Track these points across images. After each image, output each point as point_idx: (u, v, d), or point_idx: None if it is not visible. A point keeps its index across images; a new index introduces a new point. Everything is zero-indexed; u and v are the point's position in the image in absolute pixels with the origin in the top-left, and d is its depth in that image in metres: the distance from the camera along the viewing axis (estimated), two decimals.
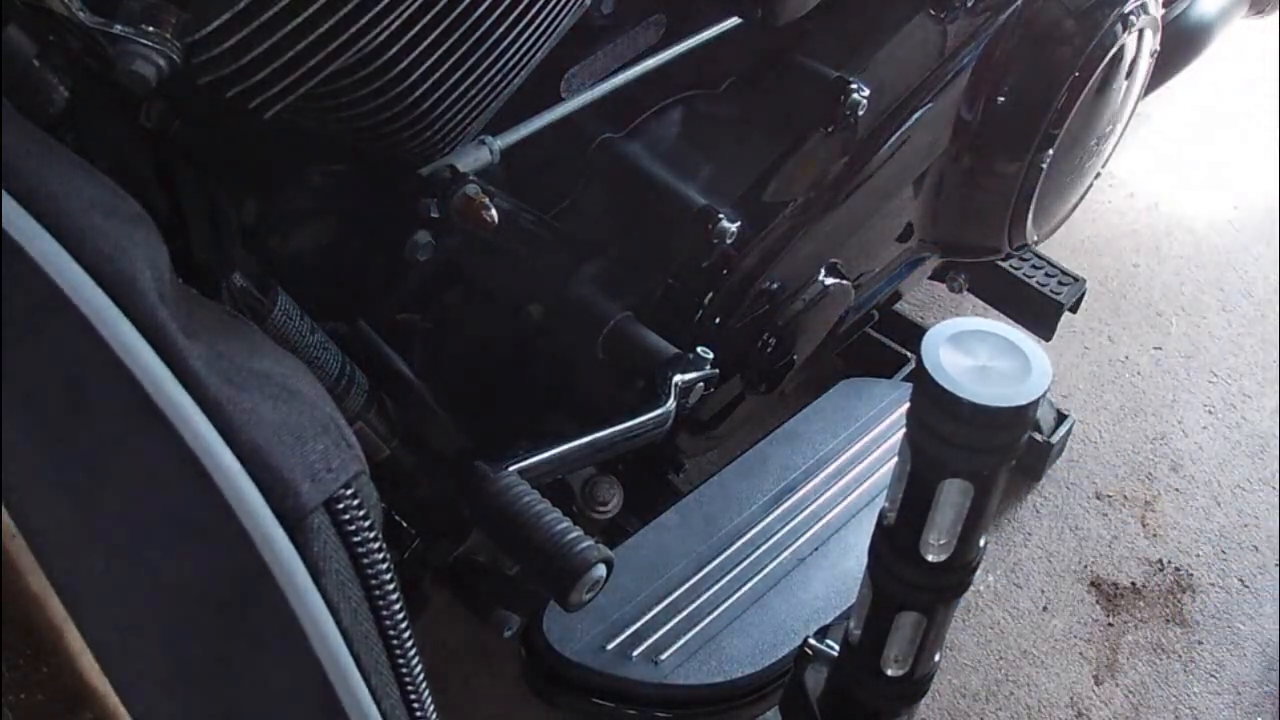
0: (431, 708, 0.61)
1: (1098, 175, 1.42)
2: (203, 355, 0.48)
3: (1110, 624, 1.43)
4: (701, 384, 0.94)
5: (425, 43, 0.70)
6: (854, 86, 1.04)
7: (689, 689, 0.97)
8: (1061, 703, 1.36)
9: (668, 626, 0.99)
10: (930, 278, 1.46)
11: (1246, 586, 1.48)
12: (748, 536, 1.07)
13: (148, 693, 0.56)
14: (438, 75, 0.73)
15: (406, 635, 0.57)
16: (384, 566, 0.53)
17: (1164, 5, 1.39)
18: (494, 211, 0.86)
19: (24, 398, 0.48)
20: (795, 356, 1.11)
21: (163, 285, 0.49)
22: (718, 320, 1.02)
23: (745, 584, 1.04)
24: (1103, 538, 1.52)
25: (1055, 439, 1.52)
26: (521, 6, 0.75)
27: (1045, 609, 1.45)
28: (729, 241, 0.98)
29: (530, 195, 0.96)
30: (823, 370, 1.31)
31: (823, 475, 1.14)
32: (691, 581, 1.03)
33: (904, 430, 0.68)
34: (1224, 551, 1.52)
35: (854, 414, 1.21)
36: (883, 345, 1.47)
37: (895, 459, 0.70)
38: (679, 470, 1.21)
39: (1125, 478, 1.59)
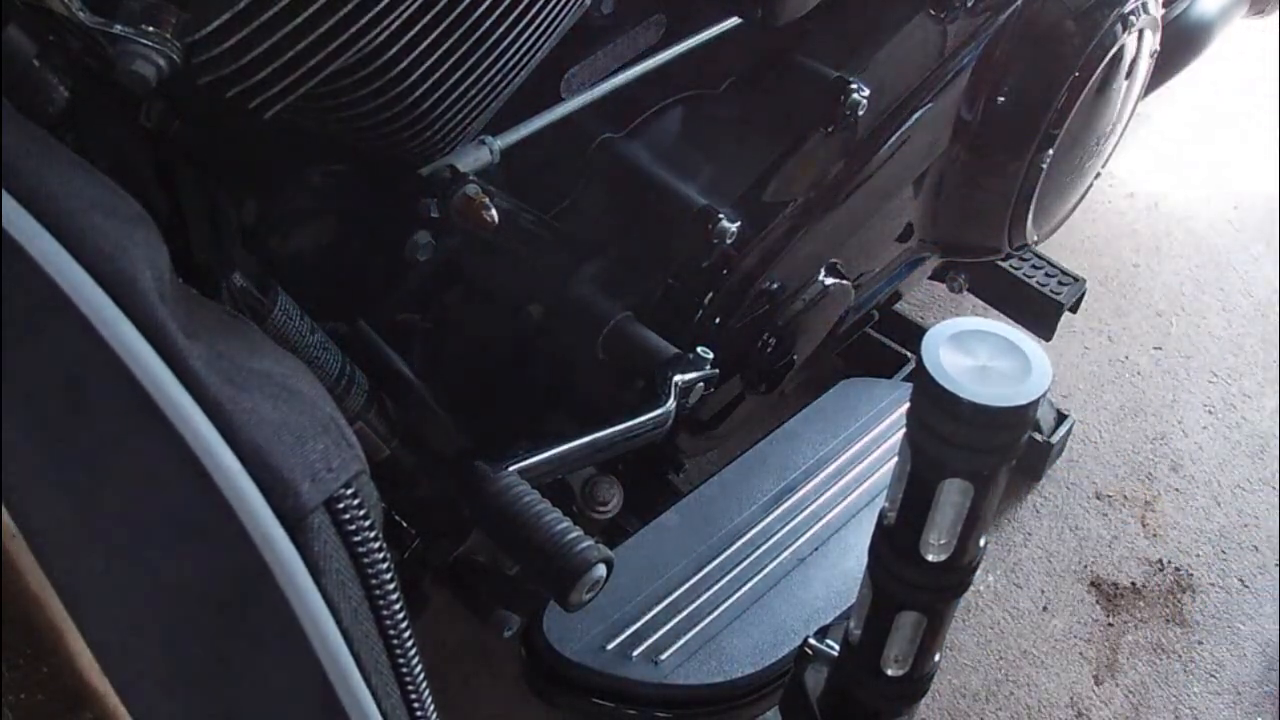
0: (432, 707, 0.61)
1: (1098, 175, 1.42)
2: (203, 355, 0.48)
3: (1110, 624, 1.43)
4: (701, 384, 0.94)
5: (425, 43, 0.70)
6: (854, 86, 1.04)
7: (689, 689, 0.97)
8: (1061, 703, 1.36)
9: (668, 626, 0.99)
10: (930, 278, 1.46)
11: (1246, 586, 1.48)
12: (748, 536, 1.07)
13: (148, 693, 0.56)
14: (438, 75, 0.73)
15: (407, 635, 0.57)
16: (384, 566, 0.53)
17: (1164, 5, 1.40)
18: (494, 211, 0.86)
19: (24, 398, 0.48)
20: (795, 356, 1.11)
21: (163, 285, 0.49)
22: (718, 320, 1.02)
23: (745, 584, 1.04)
24: (1103, 538, 1.52)
25: (1055, 439, 1.52)
26: (521, 6, 0.75)
27: (1045, 609, 1.45)
28: (729, 241, 0.98)
29: (530, 195, 0.96)
30: (823, 370, 1.31)
31: (823, 475, 1.14)
32: (691, 581, 1.03)
33: (904, 430, 0.68)
34: (1224, 551, 1.52)
35: (854, 414, 1.21)
36: (883, 345, 1.47)
37: (895, 459, 0.70)
38: (679, 470, 1.21)
39: (1125, 478, 1.60)
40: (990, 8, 1.18)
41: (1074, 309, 1.53)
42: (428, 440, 0.93)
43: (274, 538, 0.47)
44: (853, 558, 1.07)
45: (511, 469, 0.78)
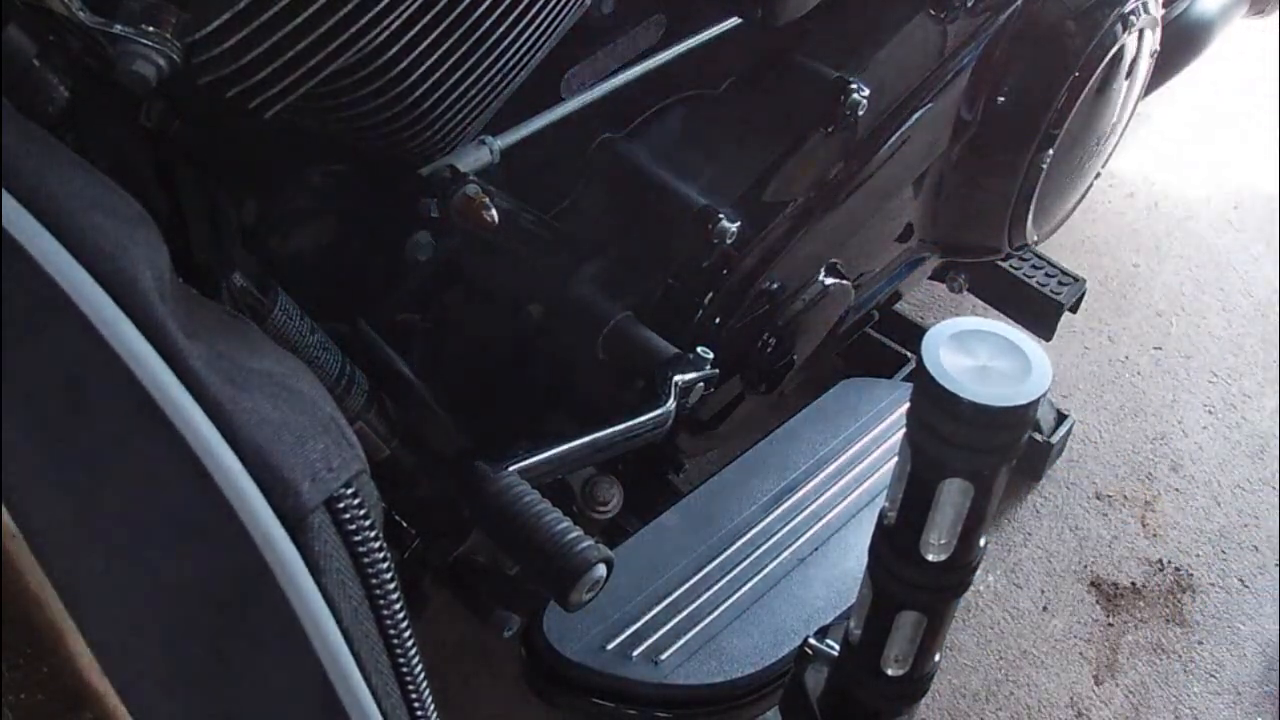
0: (432, 707, 0.61)
1: (1098, 175, 1.42)
2: (203, 355, 0.48)
3: (1110, 624, 1.43)
4: (701, 384, 0.94)
5: (425, 43, 0.70)
6: (854, 86, 1.04)
7: (689, 689, 0.97)
8: (1061, 703, 1.36)
9: (668, 626, 0.99)
10: (930, 278, 1.46)
11: (1246, 586, 1.48)
12: (748, 536, 1.07)
13: (148, 693, 0.56)
14: (438, 75, 0.73)
15: (407, 635, 0.57)
16: (384, 566, 0.53)
17: (1164, 5, 1.40)
18: (494, 211, 0.86)
19: (24, 398, 0.48)
20: (795, 356, 1.11)
21: (163, 285, 0.49)
22: (718, 320, 1.02)
23: (745, 584, 1.03)
24: (1103, 538, 1.52)
25: (1055, 439, 1.52)
26: (521, 6, 0.75)
27: (1045, 609, 1.45)
28: (729, 241, 0.98)
29: (530, 195, 0.96)
30: (823, 370, 1.31)
31: (823, 475, 1.14)
32: (691, 581, 1.03)
33: (904, 430, 0.68)
34: (1224, 551, 1.52)
35: (854, 414, 1.21)
36: (883, 345, 1.47)
37: (895, 459, 0.70)
38: (679, 470, 1.21)
39: (1125, 478, 1.59)
40: (990, 8, 1.18)
41: (1074, 309, 1.53)
42: (428, 440, 0.93)
43: (274, 537, 0.47)
44: (853, 558, 1.07)
45: (511, 469, 0.78)
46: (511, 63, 0.79)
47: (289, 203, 0.88)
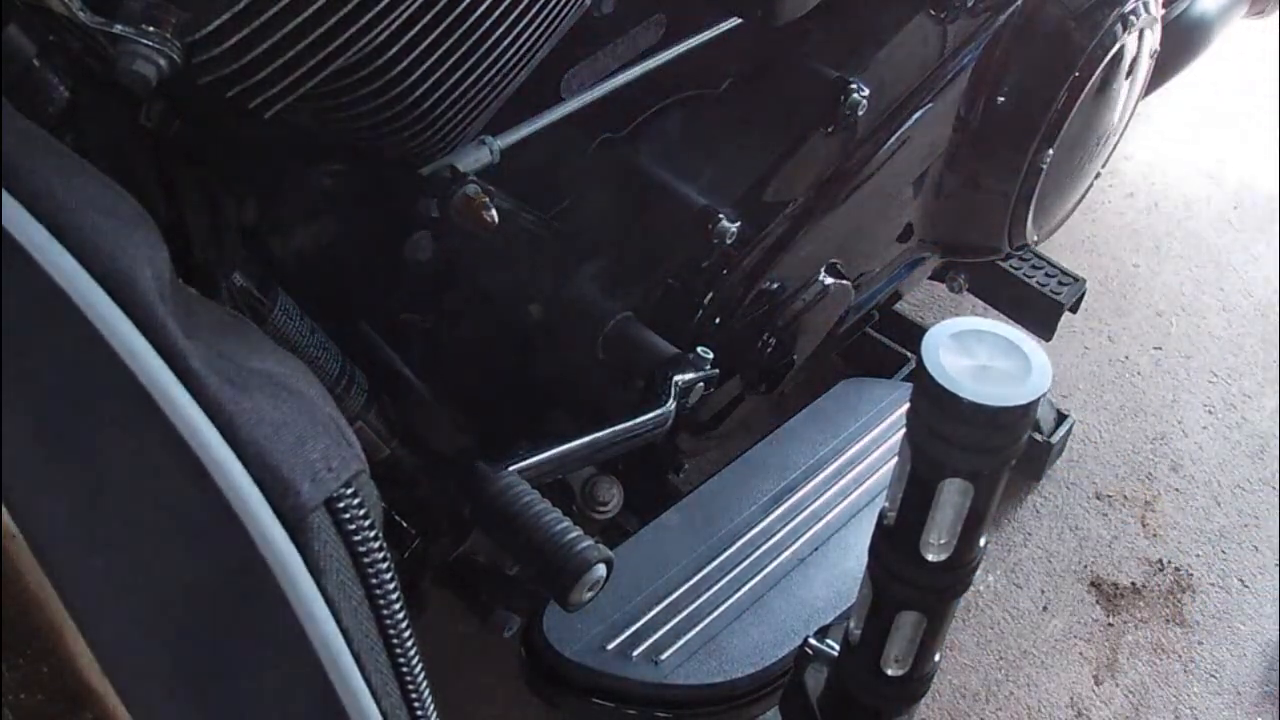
0: (431, 707, 0.61)
1: (1098, 175, 1.42)
2: (203, 355, 0.48)
3: (1110, 624, 1.43)
4: (701, 384, 0.94)
5: (425, 43, 0.70)
6: (854, 86, 1.04)
7: (689, 689, 0.97)
8: (1061, 703, 1.36)
9: (668, 626, 0.99)
10: (930, 278, 1.46)
11: (1246, 586, 1.48)
12: (748, 536, 1.07)
13: (148, 693, 0.56)
14: (438, 75, 0.73)
15: (407, 635, 0.56)
16: (384, 566, 0.53)
17: (1164, 5, 1.40)
18: (494, 211, 0.86)
19: (24, 398, 0.48)
20: (795, 356, 1.11)
21: (163, 285, 0.49)
22: (718, 320, 1.02)
23: (745, 584, 1.03)
24: (1103, 538, 1.52)
25: (1055, 439, 1.52)
26: (521, 6, 0.75)
27: (1045, 609, 1.44)
28: (729, 241, 0.98)
29: (530, 195, 0.96)
30: (823, 370, 1.31)
31: (823, 475, 1.14)
32: (691, 581, 1.03)
33: (904, 430, 0.68)
34: (1224, 551, 1.52)
35: (854, 414, 1.21)
36: (883, 345, 1.47)
37: (895, 459, 0.70)
38: (679, 470, 1.21)
39: (1125, 478, 1.59)
40: (990, 8, 1.18)
41: (1074, 309, 1.53)
42: (428, 440, 0.93)
43: (274, 537, 0.47)
44: (853, 558, 1.07)
45: (511, 469, 0.78)
46: (511, 63, 0.79)
47: (289, 203, 0.88)
